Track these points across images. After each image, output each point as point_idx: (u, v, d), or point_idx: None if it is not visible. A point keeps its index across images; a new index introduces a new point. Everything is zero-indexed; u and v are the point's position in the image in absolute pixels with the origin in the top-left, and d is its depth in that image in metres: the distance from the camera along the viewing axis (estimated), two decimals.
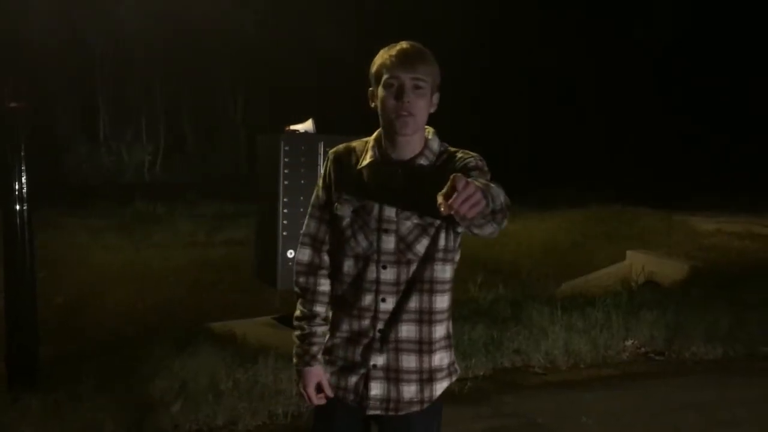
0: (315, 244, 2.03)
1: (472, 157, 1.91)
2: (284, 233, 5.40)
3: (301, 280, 2.05)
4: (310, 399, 2.05)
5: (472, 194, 1.49)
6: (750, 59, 20.37)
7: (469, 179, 1.53)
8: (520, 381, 4.62)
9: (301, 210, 5.49)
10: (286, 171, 5.38)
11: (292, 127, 5.65)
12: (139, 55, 21.67)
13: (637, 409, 4.22)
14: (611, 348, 5.18)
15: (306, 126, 5.67)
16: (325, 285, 2.03)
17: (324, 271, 2.03)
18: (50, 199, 12.68)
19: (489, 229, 1.70)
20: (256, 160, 6.01)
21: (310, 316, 2.04)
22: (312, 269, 2.04)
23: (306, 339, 2.04)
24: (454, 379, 2.04)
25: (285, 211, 5.40)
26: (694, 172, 17.87)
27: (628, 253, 8.52)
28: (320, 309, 2.04)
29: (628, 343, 5.30)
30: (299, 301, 2.07)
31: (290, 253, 5.43)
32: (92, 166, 20.65)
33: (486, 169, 1.89)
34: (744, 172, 17.35)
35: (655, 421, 4.06)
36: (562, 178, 17.12)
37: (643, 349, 5.29)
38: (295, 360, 2.07)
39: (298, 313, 2.07)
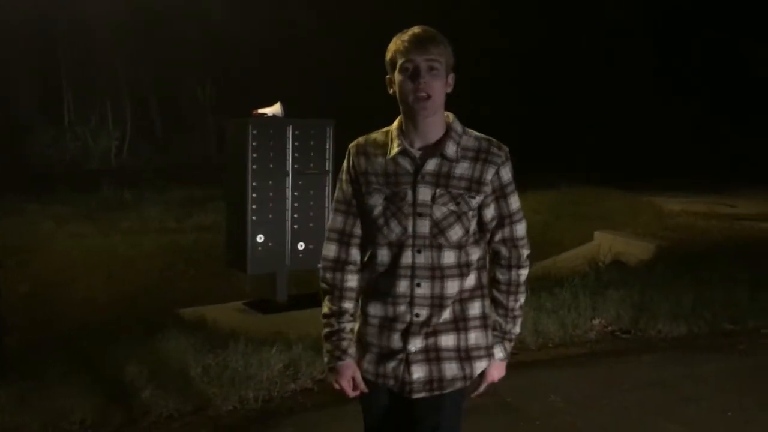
0: (342, 239, 2.05)
1: (504, 158, 2.01)
2: (253, 218, 5.38)
3: (328, 276, 2.07)
4: (346, 393, 2.07)
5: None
6: (714, 39, 20.63)
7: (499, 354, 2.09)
8: None
9: (270, 194, 5.47)
10: (254, 155, 5.36)
11: (260, 111, 5.61)
12: (105, 38, 21.23)
13: (604, 387, 4.30)
14: (579, 327, 5.26)
15: (274, 110, 5.63)
16: (352, 281, 2.05)
17: (351, 267, 2.05)
18: (12, 187, 12.45)
19: None
20: (225, 145, 5.96)
21: (338, 313, 2.05)
22: (339, 265, 2.05)
23: (335, 335, 2.05)
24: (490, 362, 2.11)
25: (254, 195, 5.38)
26: (660, 153, 18.13)
27: (596, 233, 8.64)
28: (348, 305, 2.06)
29: (596, 322, 5.39)
30: (326, 297, 2.08)
31: (260, 238, 5.42)
32: (57, 152, 20.23)
33: (513, 174, 2.04)
34: (709, 152, 17.65)
35: (622, 398, 4.14)
36: (531, 160, 17.21)
37: (609, 328, 5.38)
38: (326, 358, 2.08)
39: (326, 310, 2.07)
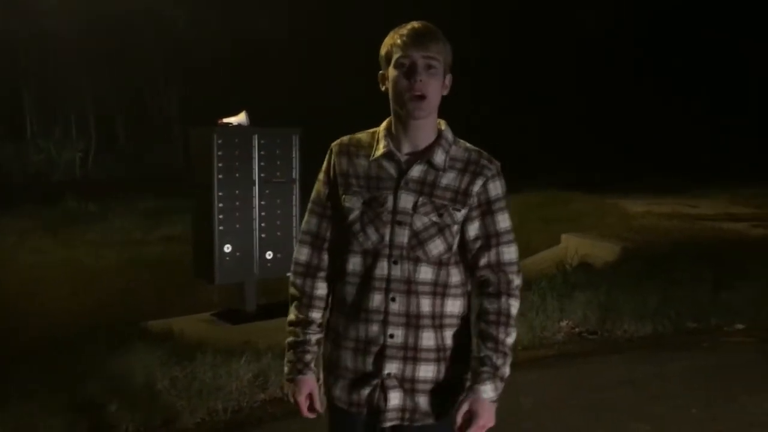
0: (316, 242, 1.92)
1: (494, 171, 1.87)
2: (220, 228, 5.34)
3: (298, 282, 1.93)
4: (300, 410, 1.92)
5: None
6: (674, 41, 21.04)
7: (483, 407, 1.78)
8: None
9: (237, 204, 5.43)
10: (220, 165, 5.32)
11: (225, 120, 5.58)
12: (67, 49, 20.93)
13: (572, 388, 4.35)
14: (547, 329, 5.32)
15: (239, 119, 5.60)
16: (322, 289, 1.92)
17: (322, 273, 1.92)
18: None
19: None
20: (190, 155, 5.91)
21: (305, 323, 1.91)
22: (310, 270, 1.92)
23: (300, 347, 1.91)
24: None
25: (220, 205, 5.34)
26: (625, 156, 18.42)
27: (563, 236, 8.74)
28: (316, 315, 1.92)
29: (563, 324, 5.45)
30: (294, 304, 1.94)
31: (227, 248, 5.37)
32: (19, 165, 19.88)
33: (505, 191, 1.90)
34: (672, 153, 17.99)
35: (590, 398, 4.19)
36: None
37: (577, 329, 5.45)
38: (286, 369, 1.93)
39: (292, 317, 1.94)
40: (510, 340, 1.84)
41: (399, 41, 1.79)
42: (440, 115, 1.88)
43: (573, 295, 5.80)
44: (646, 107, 20.90)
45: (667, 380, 4.48)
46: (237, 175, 5.40)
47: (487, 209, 1.85)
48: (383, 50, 1.84)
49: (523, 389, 4.26)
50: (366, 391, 1.83)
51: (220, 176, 5.31)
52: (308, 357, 1.91)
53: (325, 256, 1.91)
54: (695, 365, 4.79)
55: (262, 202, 5.50)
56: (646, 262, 6.93)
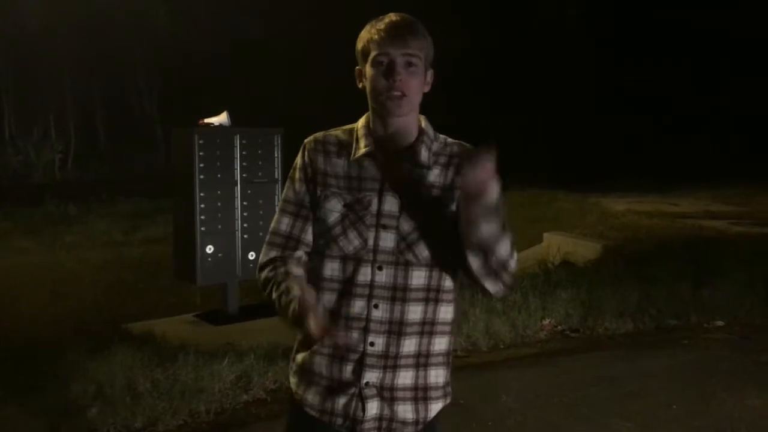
0: (288, 243, 1.77)
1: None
2: (202, 228, 5.31)
3: (267, 274, 1.76)
4: (319, 328, 1.60)
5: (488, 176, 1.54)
6: (659, 43, 21.22)
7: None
8: None
9: (219, 204, 5.41)
10: (201, 165, 5.29)
11: (207, 120, 5.55)
12: (47, 49, 20.73)
13: (554, 386, 4.37)
14: (529, 327, 5.34)
15: (221, 119, 5.58)
16: (294, 271, 1.73)
17: (293, 263, 1.75)
18: None
19: (492, 285, 1.70)
20: (171, 155, 5.88)
21: (286, 273, 1.72)
22: (278, 264, 1.75)
23: (282, 281, 1.70)
24: (448, 401, 1.83)
25: (202, 206, 5.31)
26: (607, 155, 18.55)
27: (545, 235, 8.79)
28: (298, 272, 1.73)
29: (545, 322, 5.47)
30: (267, 270, 1.76)
31: (209, 248, 5.35)
32: None
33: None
34: (653, 152, 18.16)
35: (573, 395, 4.22)
36: None
37: (559, 327, 5.47)
38: (283, 306, 1.67)
39: (268, 276, 1.75)
40: (510, 259, 1.68)
41: (376, 36, 1.68)
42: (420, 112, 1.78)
43: (555, 293, 5.83)
44: (627, 105, 21.07)
45: (648, 377, 4.51)
46: (219, 175, 5.37)
47: None
48: (359, 45, 1.73)
49: (506, 388, 4.28)
50: (342, 400, 1.73)
51: (202, 177, 5.29)
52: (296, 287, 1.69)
53: (294, 264, 1.76)
54: (676, 362, 4.83)
55: (245, 203, 5.48)
56: (627, 260, 6.99)
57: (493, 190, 1.59)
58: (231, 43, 21.15)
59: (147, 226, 10.69)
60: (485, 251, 1.65)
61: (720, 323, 5.66)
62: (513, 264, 1.71)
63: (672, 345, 5.18)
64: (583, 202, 11.60)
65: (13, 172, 19.79)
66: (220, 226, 5.38)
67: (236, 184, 5.45)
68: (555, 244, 8.09)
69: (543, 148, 19.23)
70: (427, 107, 1.79)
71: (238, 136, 5.45)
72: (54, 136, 21.54)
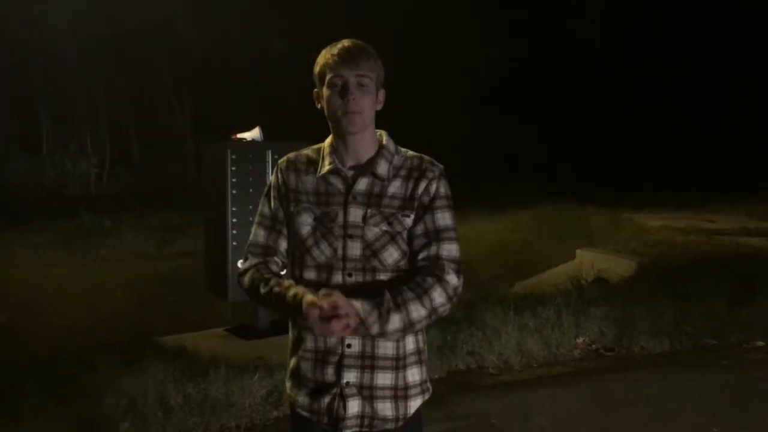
0: (267, 251, 1.94)
1: (437, 173, 1.89)
2: (234, 243, 5.33)
3: (248, 277, 1.92)
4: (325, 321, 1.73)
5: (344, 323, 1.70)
6: (694, 52, 20.94)
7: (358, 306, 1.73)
8: (474, 382, 4.64)
9: (250, 219, 5.39)
10: (234, 180, 5.32)
11: (239, 136, 5.59)
12: (82, 64, 21.17)
13: (588, 406, 4.29)
14: (563, 346, 5.25)
15: (253, 134, 5.61)
16: (276, 270, 1.93)
17: (273, 265, 1.93)
18: None
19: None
20: (203, 170, 5.92)
21: (275, 275, 1.91)
22: (261, 264, 1.93)
23: (269, 279, 1.88)
24: (427, 397, 1.97)
25: (234, 220, 5.33)
26: (639, 169, 18.31)
27: (578, 251, 8.67)
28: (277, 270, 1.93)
29: (579, 340, 5.38)
30: (248, 278, 1.92)
31: (240, 263, 5.36)
32: (34, 180, 20.06)
33: (449, 193, 1.91)
34: (688, 168, 17.86)
35: (606, 416, 4.13)
36: (508, 179, 17.35)
37: (593, 346, 5.37)
38: (272, 297, 1.85)
39: (253, 276, 1.91)
40: (413, 309, 1.78)
41: (330, 61, 1.85)
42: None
43: (589, 310, 5.73)
44: (661, 120, 20.81)
45: (684, 398, 4.40)
46: (251, 190, 5.39)
47: (428, 207, 1.88)
48: (316, 69, 1.90)
49: (539, 407, 4.20)
50: (326, 400, 1.87)
51: (234, 191, 5.31)
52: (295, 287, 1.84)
53: (274, 267, 1.93)
54: (714, 383, 4.70)
55: None
56: (662, 278, 6.85)
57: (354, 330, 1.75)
58: (265, 58, 21.38)
59: (179, 240, 10.80)
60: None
61: (760, 343, 5.50)
62: (440, 306, 1.83)
63: (710, 365, 5.05)
64: (616, 217, 11.43)
65: (50, 185, 20.18)
66: None
67: None
68: (588, 261, 7.97)
69: (576, 163, 19.04)
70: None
71: (270, 151, 5.48)
72: (90, 150, 21.92)
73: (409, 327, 1.80)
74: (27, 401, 3.83)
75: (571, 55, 21.68)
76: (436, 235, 1.87)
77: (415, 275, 1.84)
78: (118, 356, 4.62)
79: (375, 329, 1.77)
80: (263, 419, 3.97)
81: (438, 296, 1.81)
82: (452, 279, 1.84)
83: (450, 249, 1.87)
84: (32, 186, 19.62)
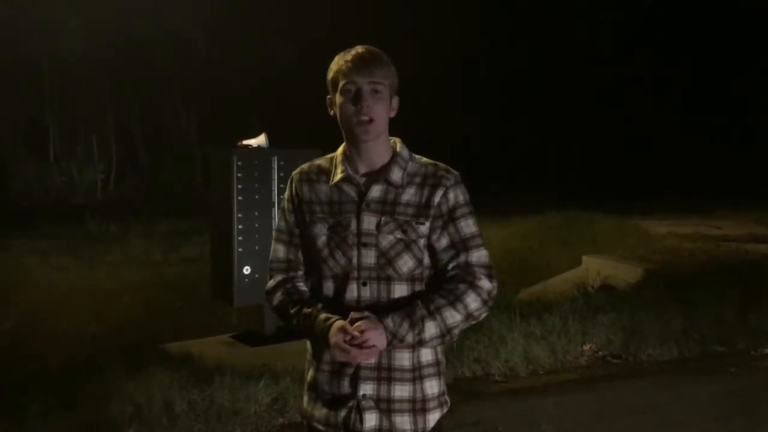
0: (290, 266, 1.93)
1: (453, 181, 1.86)
2: (239, 249, 5.33)
3: (278, 296, 1.92)
4: (349, 350, 1.75)
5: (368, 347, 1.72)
6: (703, 56, 20.89)
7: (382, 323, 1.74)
8: (480, 390, 4.62)
9: (256, 225, 5.43)
10: (239, 186, 5.33)
11: (245, 142, 5.60)
12: (89, 72, 21.27)
13: (595, 413, 4.26)
14: (569, 353, 5.22)
15: (259, 140, 5.62)
16: (305, 289, 1.92)
17: (300, 282, 1.93)
18: None
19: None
20: (209, 176, 5.93)
21: (301, 298, 1.89)
22: (287, 280, 1.92)
23: (306, 306, 1.86)
24: (445, 410, 1.92)
25: (240, 227, 5.34)
26: (646, 176, 18.27)
27: (584, 258, 8.64)
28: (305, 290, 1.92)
29: (586, 347, 5.35)
30: (278, 299, 1.91)
31: (246, 269, 5.36)
32: (41, 187, 20.14)
33: (468, 199, 1.88)
34: (695, 174, 17.80)
35: (614, 424, 4.10)
36: (515, 186, 17.33)
37: (600, 353, 5.34)
38: (304, 328, 1.85)
39: (282, 300, 1.90)
40: (448, 315, 1.78)
41: (344, 67, 1.82)
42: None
43: (596, 317, 5.70)
44: (668, 127, 20.76)
45: (692, 406, 4.37)
46: (256, 196, 5.40)
47: (449, 218, 1.85)
48: (329, 75, 1.87)
49: (546, 415, 4.18)
50: (342, 413, 1.83)
51: (240, 198, 5.32)
52: (320, 308, 1.85)
53: (299, 282, 1.93)
54: (722, 390, 4.67)
55: None
56: (669, 284, 6.82)
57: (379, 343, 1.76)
58: (271, 64, 21.43)
59: (185, 246, 10.82)
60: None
61: None
62: (476, 311, 1.83)
63: (718, 372, 5.02)
64: (622, 224, 11.40)
65: (57, 191, 20.26)
66: (257, 248, 5.39)
67: (274, 206, 5.47)
68: (594, 267, 7.94)
69: (581, 170, 19.01)
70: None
71: (275, 157, 5.48)
72: (97, 157, 22.01)
73: (447, 333, 1.80)
74: (33, 406, 3.83)
75: (577, 60, 21.66)
76: (463, 245, 1.85)
77: (447, 283, 1.83)
78: (124, 362, 4.61)
79: (410, 339, 1.77)
80: (268, 426, 3.96)
81: (472, 301, 1.81)
82: (485, 284, 1.84)
83: (479, 255, 1.86)
84: (40, 193, 19.71)
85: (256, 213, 5.41)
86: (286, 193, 1.96)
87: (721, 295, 6.26)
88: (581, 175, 18.65)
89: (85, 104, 22.02)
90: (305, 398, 1.94)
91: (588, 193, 14.90)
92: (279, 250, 1.95)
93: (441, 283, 1.84)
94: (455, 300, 1.80)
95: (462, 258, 1.84)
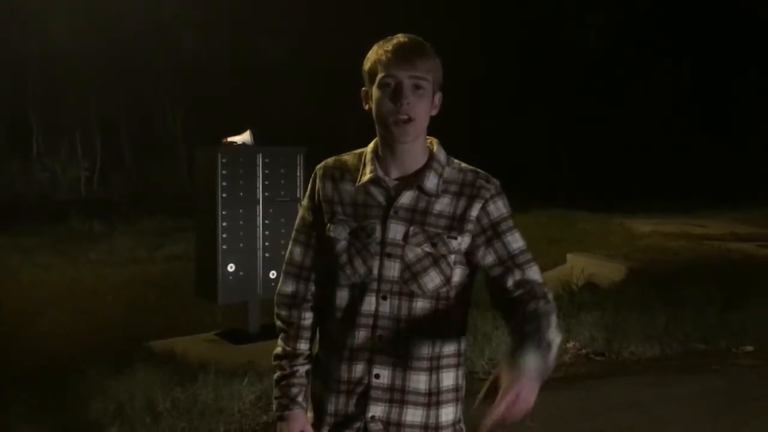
0: (301, 274, 1.77)
1: (494, 191, 1.69)
2: (224, 247, 5.31)
3: (284, 313, 1.79)
4: None
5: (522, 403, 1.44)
6: (690, 54, 21.05)
7: (523, 367, 1.44)
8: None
9: (241, 223, 5.41)
10: (224, 184, 5.30)
11: (230, 139, 5.57)
12: (73, 69, 21.11)
13: (580, 411, 4.28)
14: None
15: (244, 138, 5.60)
16: (309, 319, 1.78)
17: (309, 304, 1.78)
18: None
19: None
20: (194, 173, 5.90)
21: (292, 355, 1.77)
22: (296, 301, 1.77)
23: (285, 380, 1.76)
24: None
25: (224, 224, 5.31)
26: (631, 175, 18.38)
27: (569, 256, 8.69)
28: (304, 347, 1.78)
29: (570, 345, 5.38)
30: (281, 336, 1.80)
31: (231, 267, 5.34)
32: (24, 184, 19.98)
33: (510, 210, 1.71)
34: (679, 173, 17.94)
35: (597, 421, 4.12)
36: (501, 184, 17.37)
37: (584, 351, 5.37)
38: (274, 406, 1.77)
39: (279, 351, 1.80)
40: (552, 335, 1.55)
41: (383, 58, 1.62)
42: (435, 133, 1.75)
43: (579, 315, 5.73)
44: (651, 127, 20.90)
45: (675, 404, 4.40)
46: (241, 193, 5.38)
47: (493, 233, 1.68)
48: (366, 65, 1.68)
49: (531, 413, 4.18)
50: None
51: (224, 195, 5.29)
52: (294, 390, 1.76)
53: (312, 287, 1.78)
54: (704, 388, 4.71)
55: (266, 221, 5.48)
56: (653, 283, 6.87)
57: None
58: (256, 62, 21.36)
59: (170, 244, 10.75)
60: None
61: (749, 348, 5.52)
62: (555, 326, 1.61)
63: (701, 370, 5.06)
64: (607, 222, 11.47)
65: (40, 188, 20.09)
66: (241, 245, 5.37)
67: (258, 203, 5.45)
68: (579, 266, 7.98)
69: (566, 169, 19.10)
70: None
71: (260, 154, 5.46)
72: (80, 154, 21.86)
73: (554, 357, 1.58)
74: (15, 406, 3.79)
75: (565, 60, 21.75)
76: (513, 261, 1.68)
77: (522, 305, 1.63)
78: (107, 361, 4.58)
79: (551, 364, 1.53)
80: (252, 424, 3.95)
81: (553, 314, 1.62)
82: (552, 300, 1.67)
83: (536, 271, 1.70)
84: (22, 189, 19.55)
85: (241, 210, 5.38)
86: (308, 190, 1.79)
87: (703, 293, 6.32)
88: (566, 174, 18.74)
89: (69, 101, 21.85)
90: (311, 416, 1.79)
91: (574, 192, 14.97)
92: (295, 252, 1.79)
93: (505, 305, 1.67)
94: (548, 321, 1.58)
95: (518, 276, 1.67)
